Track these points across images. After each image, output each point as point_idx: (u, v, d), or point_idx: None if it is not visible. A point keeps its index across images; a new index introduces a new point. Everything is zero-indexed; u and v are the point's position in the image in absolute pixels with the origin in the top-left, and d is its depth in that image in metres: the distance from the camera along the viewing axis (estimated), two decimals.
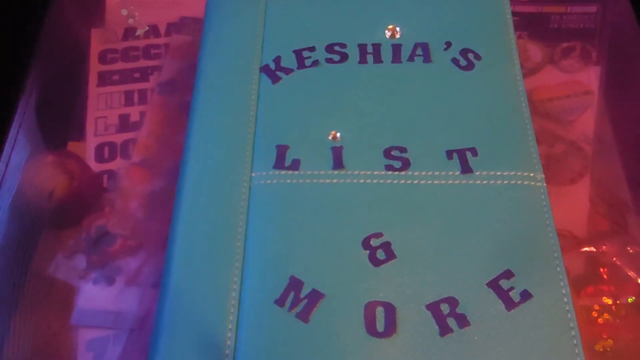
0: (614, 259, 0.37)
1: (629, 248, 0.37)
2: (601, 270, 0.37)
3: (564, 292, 0.29)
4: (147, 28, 0.47)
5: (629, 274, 0.36)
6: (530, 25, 0.47)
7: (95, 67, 0.45)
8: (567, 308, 0.28)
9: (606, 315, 0.35)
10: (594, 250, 0.37)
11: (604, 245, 0.37)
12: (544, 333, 0.28)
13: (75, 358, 0.34)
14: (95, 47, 0.46)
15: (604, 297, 0.36)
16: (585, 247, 0.37)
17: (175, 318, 0.29)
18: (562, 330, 0.28)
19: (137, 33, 0.47)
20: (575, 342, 0.27)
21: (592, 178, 0.40)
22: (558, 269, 0.29)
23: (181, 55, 0.46)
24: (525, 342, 0.28)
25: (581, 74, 0.44)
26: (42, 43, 0.45)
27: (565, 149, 0.41)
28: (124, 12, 0.47)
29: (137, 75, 0.45)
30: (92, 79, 0.45)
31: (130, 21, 0.47)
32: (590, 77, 0.44)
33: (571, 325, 0.28)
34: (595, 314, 0.35)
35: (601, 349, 0.34)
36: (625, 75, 0.45)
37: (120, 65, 0.45)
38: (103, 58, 0.46)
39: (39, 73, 0.44)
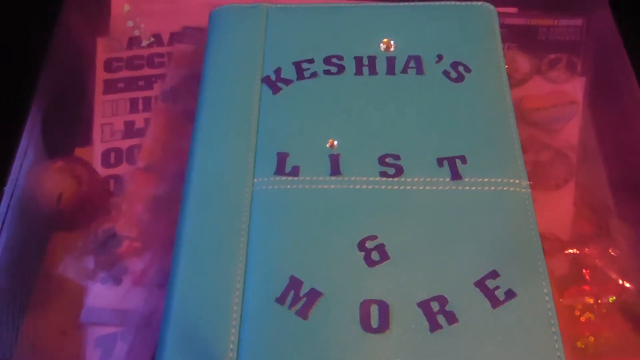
0: (596, 261, 0.38)
1: (610, 250, 0.38)
2: (584, 271, 0.37)
3: (545, 291, 0.30)
4: (152, 39, 0.48)
5: (610, 275, 0.37)
6: (519, 37, 0.48)
7: (101, 75, 0.46)
8: (549, 306, 0.30)
9: (588, 314, 0.36)
10: (578, 252, 0.38)
11: (587, 248, 0.38)
12: (527, 329, 0.29)
13: (84, 354, 0.35)
14: (101, 55, 0.47)
15: (586, 297, 0.36)
16: (569, 249, 0.38)
17: (182, 315, 0.30)
18: (543, 326, 0.29)
19: (143, 44, 0.48)
20: (555, 337, 0.29)
21: (576, 184, 0.41)
22: (540, 269, 0.31)
23: (184, 63, 0.46)
24: (509, 337, 0.29)
25: (567, 84, 0.45)
26: (51, 52, 0.45)
27: (551, 156, 0.42)
28: (130, 23, 0.48)
29: (141, 83, 0.46)
30: (98, 87, 0.45)
31: (136, 32, 0.48)
32: (576, 88, 0.45)
33: (552, 321, 0.29)
34: (577, 313, 0.36)
35: (583, 346, 0.35)
36: (608, 86, 0.45)
37: (125, 74, 0.46)
38: (108, 66, 0.46)
39: (47, 81, 0.44)
